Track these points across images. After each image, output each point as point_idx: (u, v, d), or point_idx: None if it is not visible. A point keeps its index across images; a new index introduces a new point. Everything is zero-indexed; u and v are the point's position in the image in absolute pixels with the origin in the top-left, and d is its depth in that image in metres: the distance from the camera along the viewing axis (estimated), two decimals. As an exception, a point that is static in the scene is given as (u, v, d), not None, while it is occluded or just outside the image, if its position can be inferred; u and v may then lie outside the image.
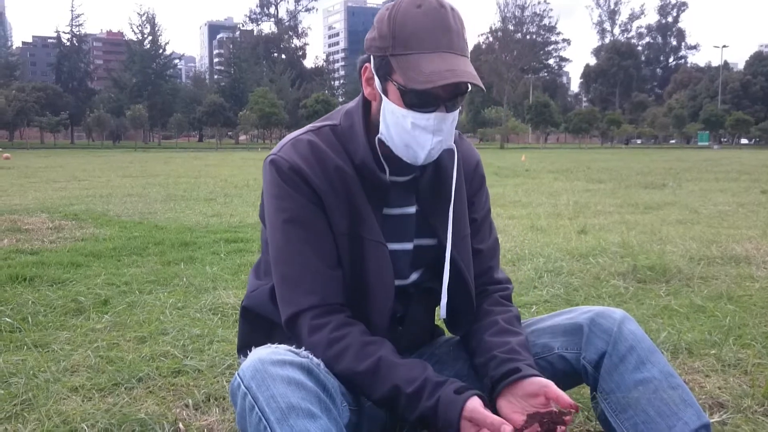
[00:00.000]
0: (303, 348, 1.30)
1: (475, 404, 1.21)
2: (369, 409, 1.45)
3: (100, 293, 3.16)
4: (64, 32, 79.52)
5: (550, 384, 1.25)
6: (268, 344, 1.29)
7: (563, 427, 1.17)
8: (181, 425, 1.74)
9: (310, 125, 1.46)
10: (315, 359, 1.26)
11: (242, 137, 78.40)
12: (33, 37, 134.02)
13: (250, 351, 1.27)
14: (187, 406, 1.87)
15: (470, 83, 1.27)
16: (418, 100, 1.28)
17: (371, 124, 1.40)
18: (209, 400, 1.92)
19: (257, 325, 1.53)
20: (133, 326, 2.66)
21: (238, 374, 1.21)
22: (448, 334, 1.65)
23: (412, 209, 1.46)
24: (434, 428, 1.25)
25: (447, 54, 1.26)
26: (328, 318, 1.33)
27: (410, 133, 1.31)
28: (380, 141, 1.37)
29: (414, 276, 1.50)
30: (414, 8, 1.26)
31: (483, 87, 1.28)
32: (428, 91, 1.26)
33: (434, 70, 1.24)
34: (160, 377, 2.09)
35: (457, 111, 1.34)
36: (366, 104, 1.42)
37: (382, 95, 1.33)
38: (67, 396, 1.92)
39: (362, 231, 1.37)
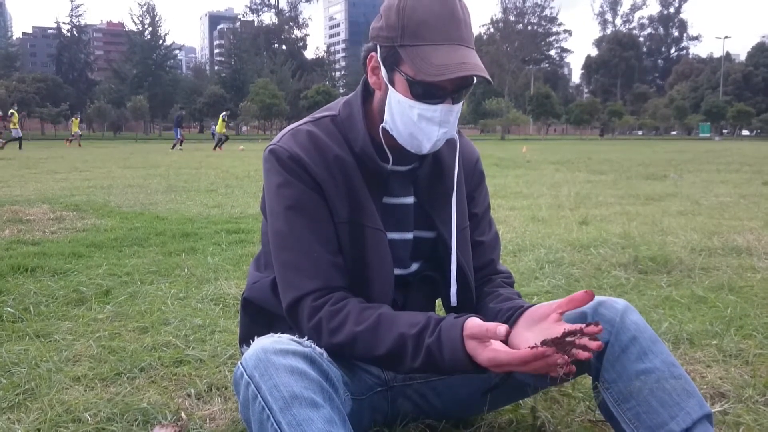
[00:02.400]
0: (306, 337, 1.30)
1: (474, 321, 1.21)
2: (370, 399, 1.46)
3: (101, 283, 3.16)
4: (64, 23, 79.62)
5: (559, 301, 1.23)
6: (271, 333, 1.30)
7: (588, 349, 1.10)
8: (183, 415, 1.74)
9: (310, 116, 1.46)
10: (318, 349, 1.26)
11: (243, 128, 78.22)
12: (33, 27, 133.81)
13: (252, 342, 1.27)
14: (189, 395, 1.87)
15: (478, 76, 1.27)
16: (426, 92, 1.28)
17: (371, 113, 1.41)
18: (211, 390, 1.92)
19: (258, 318, 1.53)
20: (135, 316, 2.66)
21: (241, 363, 1.21)
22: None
23: (410, 199, 1.47)
24: (443, 368, 1.24)
25: (457, 46, 1.25)
26: (328, 298, 1.33)
27: (416, 124, 1.32)
28: (384, 130, 1.37)
29: (414, 266, 1.51)
30: None
31: (491, 80, 1.28)
32: (437, 83, 1.26)
33: (446, 62, 1.23)
34: (162, 367, 2.09)
35: (461, 103, 1.34)
36: (365, 93, 1.42)
37: (389, 85, 1.33)
38: (69, 385, 1.92)
39: (362, 219, 1.38)
